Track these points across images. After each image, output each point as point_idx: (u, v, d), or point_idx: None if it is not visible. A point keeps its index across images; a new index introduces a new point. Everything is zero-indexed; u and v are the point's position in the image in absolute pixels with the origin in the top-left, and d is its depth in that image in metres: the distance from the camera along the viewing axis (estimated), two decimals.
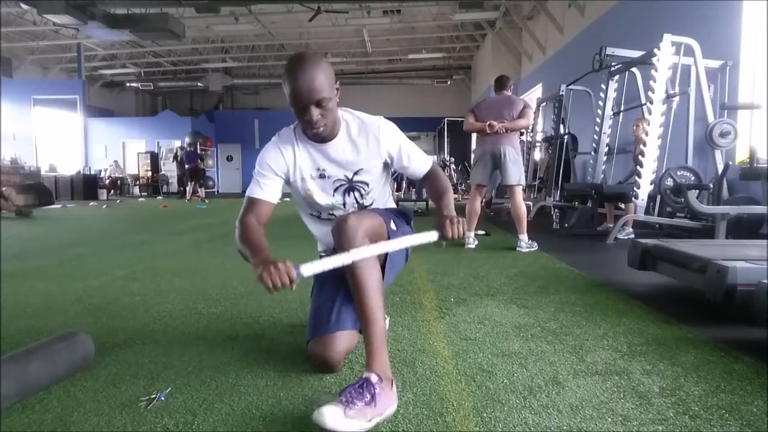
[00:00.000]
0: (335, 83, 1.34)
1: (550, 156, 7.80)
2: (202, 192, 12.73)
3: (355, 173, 1.45)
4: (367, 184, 1.50)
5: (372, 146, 1.44)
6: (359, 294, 1.26)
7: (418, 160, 1.54)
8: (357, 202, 1.53)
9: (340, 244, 1.29)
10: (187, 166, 12.67)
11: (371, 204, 1.57)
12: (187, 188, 12.79)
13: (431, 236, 1.27)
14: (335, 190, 1.48)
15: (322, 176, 1.45)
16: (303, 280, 1.15)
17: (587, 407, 1.27)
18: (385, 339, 1.28)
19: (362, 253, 1.19)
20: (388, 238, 1.40)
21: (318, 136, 1.38)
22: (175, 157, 15.22)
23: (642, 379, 1.45)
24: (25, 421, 1.22)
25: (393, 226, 1.47)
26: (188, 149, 13.07)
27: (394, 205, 1.70)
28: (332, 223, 1.54)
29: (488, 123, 3.97)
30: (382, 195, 1.60)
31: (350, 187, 1.48)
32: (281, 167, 1.45)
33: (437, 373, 1.48)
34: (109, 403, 1.30)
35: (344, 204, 1.52)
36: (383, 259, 1.43)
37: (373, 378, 1.14)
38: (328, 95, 1.29)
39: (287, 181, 1.49)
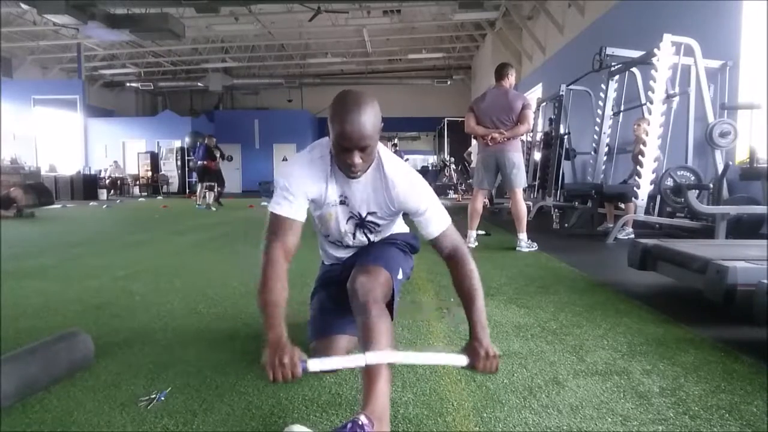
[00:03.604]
0: (380, 124, 1.25)
1: (543, 155, 7.80)
2: (209, 197, 9.86)
3: (369, 213, 1.43)
4: (378, 225, 1.48)
5: (388, 201, 1.39)
6: (370, 348, 1.15)
7: (434, 224, 1.35)
8: (367, 237, 1.52)
9: (356, 311, 1.27)
10: (200, 163, 10.08)
11: (380, 236, 1.56)
12: (198, 190, 10.30)
13: (460, 361, 1.14)
14: (349, 218, 1.46)
15: (343, 202, 1.41)
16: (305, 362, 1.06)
17: (587, 407, 1.27)
18: (390, 390, 1.15)
19: (376, 359, 1.11)
20: (393, 292, 1.39)
21: (353, 177, 1.31)
22: (193, 152, 12.80)
23: (642, 379, 1.45)
24: (25, 421, 1.22)
25: (399, 275, 1.45)
26: (204, 143, 10.19)
27: (403, 228, 1.65)
28: (340, 248, 1.57)
29: (490, 137, 3.99)
30: (392, 225, 1.58)
31: (361, 223, 1.47)
32: (313, 192, 1.35)
33: (437, 373, 1.48)
34: (109, 403, 1.30)
35: (354, 236, 1.51)
36: (390, 292, 1.40)
37: (363, 419, 1.03)
38: (374, 141, 1.23)
39: (312, 201, 1.40)
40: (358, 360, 1.09)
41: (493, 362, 1.14)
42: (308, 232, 1.64)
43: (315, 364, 1.06)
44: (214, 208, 9.38)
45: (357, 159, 1.22)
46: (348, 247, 1.57)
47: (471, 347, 1.16)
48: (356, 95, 1.21)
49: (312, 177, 1.34)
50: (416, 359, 1.18)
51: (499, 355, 1.15)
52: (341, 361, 1.11)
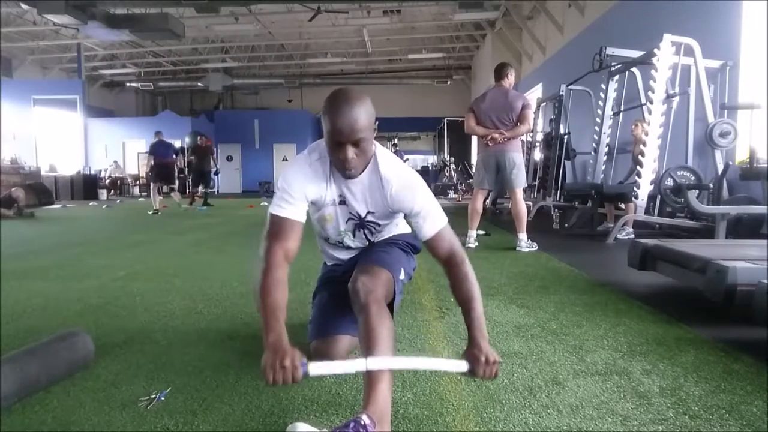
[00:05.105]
0: (374, 123, 1.25)
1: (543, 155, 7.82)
2: (176, 195, 9.02)
3: (368, 212, 1.43)
4: (378, 225, 1.48)
5: (383, 200, 1.38)
6: (370, 347, 1.15)
7: (429, 224, 1.33)
8: (367, 238, 1.52)
9: (357, 311, 1.27)
10: (153, 162, 8.69)
11: (381, 237, 1.56)
12: (152, 192, 8.71)
13: (460, 366, 1.12)
14: (348, 219, 1.45)
15: (342, 202, 1.41)
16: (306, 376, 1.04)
17: (587, 407, 1.27)
18: (391, 391, 1.14)
19: (378, 364, 1.10)
20: (394, 293, 1.42)
21: (348, 176, 1.29)
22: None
23: (642, 379, 1.45)
24: (25, 421, 1.22)
25: (401, 276, 1.47)
26: (158, 139, 8.91)
27: (405, 229, 1.65)
28: (341, 250, 1.57)
29: (490, 137, 3.99)
30: (393, 225, 1.58)
31: (361, 224, 1.46)
32: (312, 193, 1.35)
33: (437, 373, 1.48)
34: (109, 403, 1.30)
35: (354, 236, 1.51)
36: (391, 292, 1.41)
37: (365, 419, 1.03)
38: (367, 136, 1.22)
39: (312, 203, 1.41)
40: (359, 365, 1.08)
41: (494, 368, 1.12)
42: (308, 231, 1.64)
43: (316, 368, 1.05)
44: (190, 208, 8.38)
45: (350, 154, 1.21)
46: (348, 248, 1.57)
47: (471, 353, 1.13)
48: (347, 91, 1.22)
49: (311, 178, 1.34)
50: (417, 364, 1.18)
51: (500, 361, 1.13)
52: (342, 365, 1.10)
